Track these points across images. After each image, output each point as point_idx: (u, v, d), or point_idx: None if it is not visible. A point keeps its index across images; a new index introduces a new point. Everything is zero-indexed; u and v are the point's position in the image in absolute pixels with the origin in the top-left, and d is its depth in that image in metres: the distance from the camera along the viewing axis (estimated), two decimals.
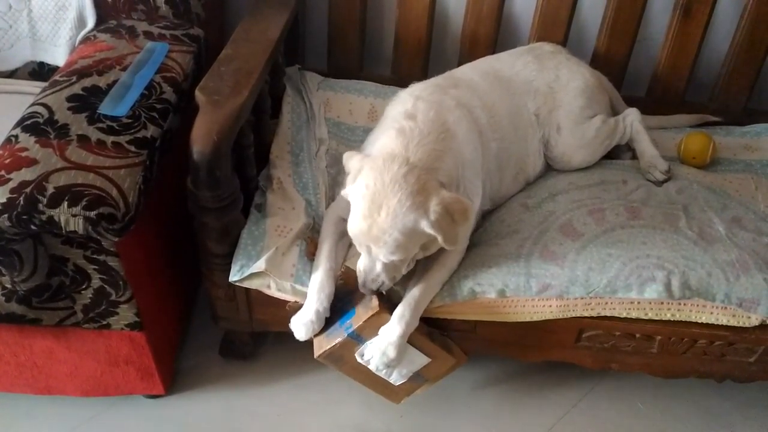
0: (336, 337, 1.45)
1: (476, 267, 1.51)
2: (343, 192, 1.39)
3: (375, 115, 1.95)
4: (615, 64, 2.03)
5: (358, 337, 1.45)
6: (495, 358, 1.66)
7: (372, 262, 1.37)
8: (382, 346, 1.43)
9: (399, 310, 1.42)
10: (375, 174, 1.31)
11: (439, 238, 1.31)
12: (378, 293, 1.42)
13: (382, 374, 1.53)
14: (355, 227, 1.34)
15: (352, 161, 1.39)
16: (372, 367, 1.47)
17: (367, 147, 1.59)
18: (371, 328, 1.44)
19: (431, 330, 1.54)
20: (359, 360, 1.49)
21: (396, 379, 1.56)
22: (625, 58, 2.04)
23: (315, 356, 1.48)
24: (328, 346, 1.46)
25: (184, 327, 1.87)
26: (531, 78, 1.79)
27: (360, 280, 1.39)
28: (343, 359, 1.50)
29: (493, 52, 1.99)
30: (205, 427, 1.70)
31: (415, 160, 1.34)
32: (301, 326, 1.46)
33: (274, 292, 1.51)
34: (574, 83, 1.80)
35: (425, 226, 1.30)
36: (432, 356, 1.53)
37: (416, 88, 1.59)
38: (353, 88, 2.02)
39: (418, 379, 1.58)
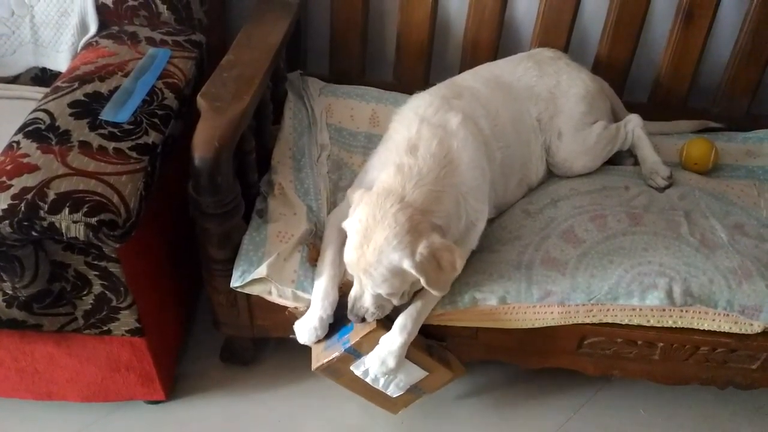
0: (333, 351, 1.47)
1: (477, 274, 1.51)
2: (343, 224, 1.41)
3: (377, 121, 1.95)
4: (617, 70, 2.03)
5: (355, 352, 1.46)
6: (496, 364, 1.65)
7: (361, 291, 1.39)
8: (382, 356, 1.43)
9: (401, 320, 1.42)
10: (369, 209, 1.33)
11: (422, 281, 1.31)
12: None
13: (379, 386, 1.54)
14: (347, 256, 1.37)
15: (354, 195, 1.40)
16: (371, 375, 1.47)
17: (369, 170, 1.58)
18: (368, 343, 1.45)
19: (430, 343, 1.54)
20: (356, 373, 1.50)
21: (393, 391, 1.57)
22: (627, 63, 2.04)
23: (312, 369, 1.50)
24: (326, 360, 1.47)
25: (185, 332, 1.86)
26: (532, 83, 1.79)
27: (349, 305, 1.40)
28: (340, 372, 1.51)
29: (495, 58, 1.99)
30: None
31: (411, 200, 1.34)
32: (304, 331, 1.47)
33: (275, 298, 1.51)
34: (575, 89, 1.80)
35: (408, 267, 1.30)
36: (430, 370, 1.54)
37: (420, 104, 1.57)
38: (355, 93, 2.02)
39: (415, 391, 1.59)
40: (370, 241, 1.31)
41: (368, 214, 1.32)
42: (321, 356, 1.49)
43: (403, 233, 1.30)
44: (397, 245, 1.29)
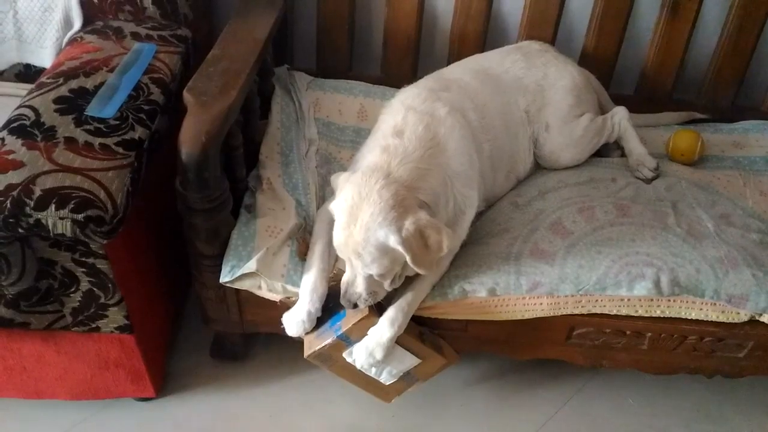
0: (326, 338, 1.46)
1: (467, 266, 1.52)
2: (329, 207, 1.40)
3: (365, 115, 1.95)
4: (603, 63, 2.04)
5: (347, 339, 1.46)
6: (486, 356, 1.66)
7: (353, 276, 1.38)
8: (370, 347, 1.43)
9: (390, 312, 1.42)
10: (354, 187, 1.32)
11: (407, 258, 1.29)
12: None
13: (371, 374, 1.54)
14: (335, 239, 1.36)
15: (339, 179, 1.39)
16: (358, 366, 1.47)
17: (358, 160, 1.57)
18: (360, 330, 1.44)
19: (422, 330, 1.54)
20: (348, 360, 1.49)
21: (386, 378, 1.56)
22: (614, 56, 2.05)
23: (305, 356, 1.49)
24: (318, 347, 1.47)
25: (174, 329, 1.86)
26: (520, 75, 1.80)
27: (342, 291, 1.39)
28: (332, 359, 1.51)
29: (482, 51, 1.99)
30: (197, 429, 1.69)
31: (396, 176, 1.33)
32: (292, 324, 1.46)
33: (264, 293, 1.51)
34: (562, 82, 1.81)
35: (394, 243, 1.28)
36: (422, 357, 1.53)
37: (408, 95, 1.57)
38: (343, 87, 2.01)
39: (408, 378, 1.58)
40: (357, 220, 1.29)
41: (354, 192, 1.31)
42: (313, 343, 1.48)
43: (387, 209, 1.28)
44: (382, 221, 1.28)
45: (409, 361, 1.53)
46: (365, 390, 1.61)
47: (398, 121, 1.45)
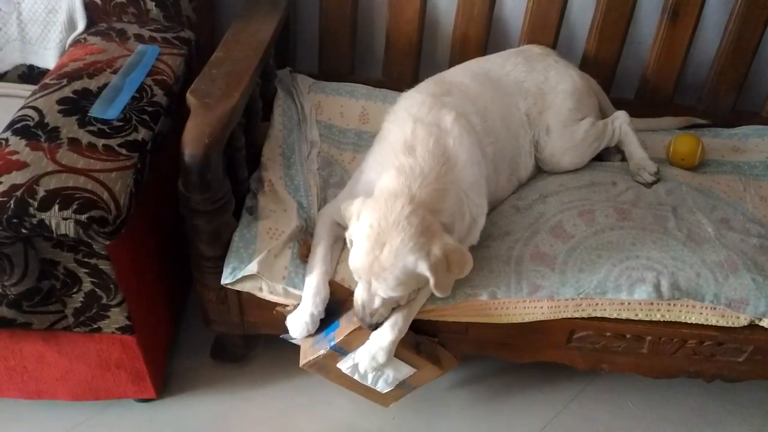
0: (320, 348, 1.48)
1: None
2: (347, 234, 1.39)
3: (366, 118, 1.96)
4: (604, 67, 2.05)
5: (340, 350, 1.48)
6: (487, 359, 1.66)
7: (371, 297, 1.37)
8: (373, 351, 1.44)
9: (392, 316, 1.43)
10: (378, 214, 1.31)
11: (431, 281, 1.31)
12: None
13: (367, 382, 1.55)
14: (357, 262, 1.34)
15: (352, 207, 1.38)
16: (360, 370, 1.48)
17: (365, 170, 1.57)
18: (353, 341, 1.46)
19: (419, 339, 1.55)
20: (343, 370, 1.52)
21: (382, 387, 1.58)
22: (614, 60, 2.05)
23: (300, 365, 1.51)
24: (313, 357, 1.49)
25: (175, 330, 1.86)
26: (521, 79, 1.81)
27: (359, 315, 1.39)
28: (327, 368, 1.53)
29: (484, 55, 1.99)
30: (197, 430, 1.70)
31: (420, 200, 1.33)
32: (296, 326, 1.47)
33: (266, 295, 1.51)
34: (563, 85, 1.81)
35: (423, 268, 1.30)
36: (417, 367, 1.55)
37: (413, 103, 1.56)
38: (344, 90, 2.02)
39: (404, 386, 1.60)
40: (384, 245, 1.29)
41: (379, 218, 1.30)
42: (308, 353, 1.50)
43: (418, 235, 1.29)
44: (413, 247, 1.29)
45: (405, 370, 1.54)
46: (363, 396, 1.63)
47: (407, 136, 1.44)
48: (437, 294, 1.37)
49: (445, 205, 1.37)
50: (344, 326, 1.45)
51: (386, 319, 1.41)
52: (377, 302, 1.37)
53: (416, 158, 1.38)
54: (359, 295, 1.38)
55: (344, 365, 1.51)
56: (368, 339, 1.45)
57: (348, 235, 1.39)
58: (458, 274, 1.36)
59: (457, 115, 1.51)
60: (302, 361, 1.51)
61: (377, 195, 1.36)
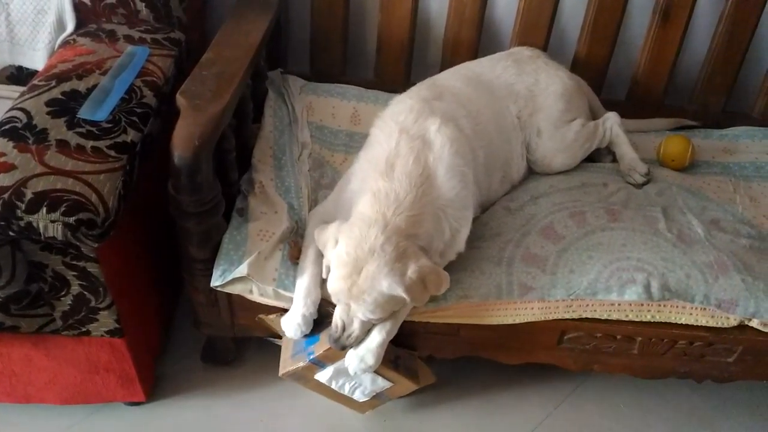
0: (299, 360, 1.51)
1: (459, 271, 1.52)
2: (325, 260, 1.43)
3: (358, 119, 1.95)
4: (595, 68, 2.05)
5: (319, 363, 1.50)
6: (478, 360, 1.66)
7: (350, 319, 1.40)
8: (361, 354, 1.44)
9: None
10: (354, 243, 1.35)
11: (408, 300, 1.36)
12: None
13: (345, 392, 1.58)
14: (336, 286, 1.37)
15: (327, 233, 1.41)
16: (351, 372, 1.48)
17: (351, 180, 1.56)
18: (333, 356, 1.48)
19: (399, 353, 1.56)
20: (320, 381, 1.55)
21: (359, 396, 1.61)
22: (605, 62, 2.06)
23: (279, 374, 1.54)
24: (291, 368, 1.52)
25: (165, 333, 1.85)
26: (512, 81, 1.81)
27: (334, 336, 1.41)
28: (306, 378, 1.56)
29: (475, 57, 2.00)
30: None
31: (393, 227, 1.36)
32: (289, 327, 1.48)
33: (256, 297, 1.50)
34: (553, 87, 1.82)
35: (399, 291, 1.33)
36: (394, 381, 1.57)
37: (401, 110, 1.56)
38: (336, 91, 2.02)
39: (381, 397, 1.63)
40: (361, 271, 1.33)
41: (355, 246, 1.34)
42: (287, 363, 1.54)
43: (392, 262, 1.33)
44: (388, 272, 1.33)
45: (381, 383, 1.57)
46: (341, 403, 1.65)
47: (390, 151, 1.46)
48: (415, 304, 1.41)
49: (421, 230, 1.39)
50: (323, 341, 1.47)
51: (361, 341, 1.44)
52: (356, 324, 1.40)
53: (393, 182, 1.40)
54: (338, 316, 1.41)
55: (322, 376, 1.54)
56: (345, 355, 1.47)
57: (325, 260, 1.42)
58: (435, 293, 1.40)
59: (442, 123, 1.51)
60: (281, 371, 1.54)
61: (352, 221, 1.39)
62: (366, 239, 1.34)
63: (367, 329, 1.43)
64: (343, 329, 1.40)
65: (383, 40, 2.05)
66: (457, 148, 1.50)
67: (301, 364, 1.50)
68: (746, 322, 1.53)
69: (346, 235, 1.36)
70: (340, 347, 1.42)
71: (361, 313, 1.37)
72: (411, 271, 1.33)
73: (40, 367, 1.53)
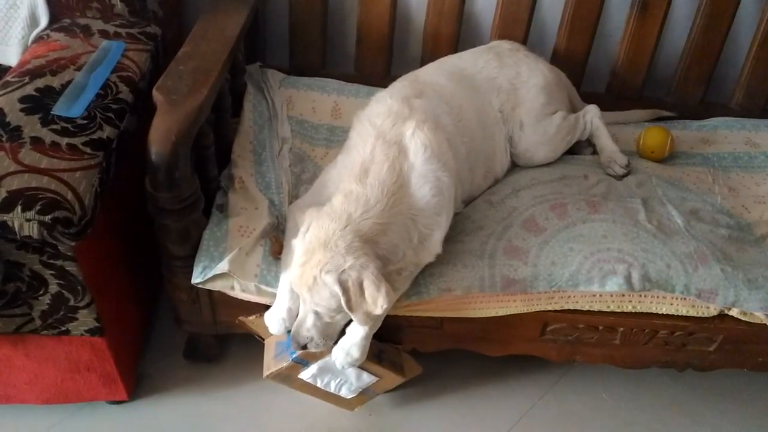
0: (282, 360, 1.51)
1: (442, 264, 1.52)
2: (293, 241, 1.42)
3: (338, 113, 1.95)
4: (575, 61, 2.06)
5: (302, 361, 1.50)
6: (461, 353, 1.67)
7: (305, 314, 1.39)
8: (346, 347, 1.45)
9: None
10: (315, 232, 1.35)
11: (342, 300, 1.31)
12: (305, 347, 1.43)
13: (330, 390, 1.59)
14: (292, 273, 1.38)
15: (306, 214, 1.41)
16: (338, 366, 1.48)
17: (330, 180, 1.55)
18: (316, 354, 1.48)
19: (382, 347, 1.56)
20: (305, 379, 1.55)
21: (345, 393, 1.61)
22: (585, 55, 2.06)
23: (263, 376, 1.54)
24: (275, 368, 1.52)
25: (146, 331, 1.83)
26: (494, 75, 1.81)
27: (293, 330, 1.41)
28: (290, 379, 1.56)
29: (455, 50, 2.00)
30: (171, 431, 1.67)
31: (355, 228, 1.35)
32: (273, 322, 1.47)
33: (238, 293, 1.49)
34: (534, 80, 1.82)
35: (335, 287, 1.31)
36: (379, 376, 1.57)
37: (379, 112, 1.55)
38: (316, 85, 2.00)
39: (368, 392, 1.63)
40: (310, 261, 1.33)
41: (316, 235, 1.34)
42: (271, 364, 1.53)
43: (339, 255, 1.31)
44: (327, 264, 1.31)
45: (367, 378, 1.57)
46: (329, 402, 1.65)
47: (366, 157, 1.45)
48: (356, 321, 1.38)
49: (384, 239, 1.38)
50: None
51: (317, 345, 1.42)
52: (310, 320, 1.39)
53: (365, 187, 1.40)
54: (300, 311, 1.41)
55: (306, 374, 1.54)
56: (330, 351, 1.47)
57: (292, 242, 1.41)
58: (372, 307, 1.32)
59: (417, 126, 1.49)
60: (265, 372, 1.54)
61: (322, 212, 1.38)
62: (324, 231, 1.34)
63: (323, 333, 1.41)
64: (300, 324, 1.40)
65: (363, 33, 2.04)
66: (432, 152, 1.47)
67: (285, 364, 1.50)
68: (726, 311, 1.55)
69: (314, 224, 1.36)
70: (297, 344, 1.41)
71: (309, 301, 1.36)
72: (352, 270, 1.30)
73: (19, 367, 1.51)
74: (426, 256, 1.48)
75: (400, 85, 1.69)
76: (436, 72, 1.78)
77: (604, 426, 1.78)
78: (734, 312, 1.54)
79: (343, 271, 1.31)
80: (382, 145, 1.47)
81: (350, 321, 1.43)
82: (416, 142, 1.47)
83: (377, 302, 1.31)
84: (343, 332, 1.47)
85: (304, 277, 1.34)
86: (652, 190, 1.75)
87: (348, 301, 1.31)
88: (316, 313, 1.38)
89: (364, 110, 1.61)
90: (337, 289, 1.31)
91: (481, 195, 1.75)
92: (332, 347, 1.46)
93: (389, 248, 1.39)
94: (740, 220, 1.72)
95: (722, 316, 1.56)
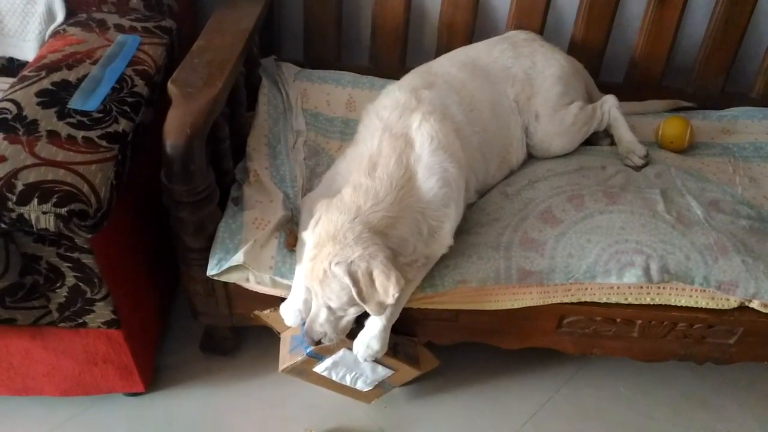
0: (297, 354, 1.51)
1: (457, 256, 1.51)
2: (303, 234, 1.42)
3: (353, 106, 1.94)
4: (592, 51, 2.03)
5: (317, 356, 1.51)
6: (477, 346, 1.66)
7: (318, 308, 1.39)
8: (366, 340, 1.45)
9: None
10: (325, 224, 1.35)
11: (353, 291, 1.31)
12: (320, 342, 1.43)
13: (346, 383, 1.58)
14: (303, 266, 1.38)
15: (318, 206, 1.41)
16: (360, 359, 1.48)
17: (339, 173, 1.55)
18: (330, 348, 1.48)
19: (398, 340, 1.55)
20: (320, 373, 1.55)
21: (361, 386, 1.61)
22: (602, 44, 2.04)
23: (279, 370, 1.54)
24: (290, 363, 1.52)
25: (163, 323, 1.84)
26: (509, 65, 1.79)
27: (306, 326, 1.41)
28: (306, 373, 1.56)
29: (471, 41, 1.98)
30: (187, 423, 1.69)
31: (364, 220, 1.34)
32: (289, 313, 1.47)
33: (253, 286, 1.50)
34: (551, 70, 1.80)
35: (345, 279, 1.30)
36: (395, 369, 1.57)
37: (386, 105, 1.55)
38: (331, 78, 2.00)
39: (384, 386, 1.63)
40: (320, 254, 1.32)
41: (325, 228, 1.34)
42: (286, 359, 1.54)
43: (347, 247, 1.31)
44: (336, 256, 1.31)
45: (382, 372, 1.57)
46: (346, 395, 1.65)
47: (373, 150, 1.45)
48: (370, 312, 1.36)
49: (394, 232, 1.37)
50: None
51: (331, 340, 1.42)
52: (322, 316, 1.38)
53: (374, 180, 1.39)
54: (312, 306, 1.40)
55: (320, 368, 1.54)
56: (345, 345, 1.47)
57: (303, 235, 1.41)
58: (384, 296, 1.32)
59: (423, 118, 1.48)
60: (281, 367, 1.55)
61: (331, 205, 1.38)
62: (334, 224, 1.33)
63: (335, 327, 1.40)
64: (314, 320, 1.40)
65: (378, 25, 2.03)
66: (439, 142, 1.47)
67: (300, 358, 1.50)
68: (746, 304, 1.52)
69: (325, 217, 1.36)
70: (310, 340, 1.41)
71: (321, 296, 1.36)
72: (361, 260, 1.30)
73: (38, 360, 1.53)
74: (438, 248, 1.47)
75: (410, 77, 1.68)
76: (449, 63, 1.77)
77: (622, 420, 1.76)
78: (755, 304, 1.51)
79: (352, 262, 1.30)
80: (389, 138, 1.46)
81: (366, 315, 1.42)
82: (422, 133, 1.47)
83: (388, 291, 1.31)
84: (362, 326, 1.46)
85: (315, 271, 1.33)
86: (671, 180, 1.73)
87: (359, 293, 1.31)
88: (329, 308, 1.38)
89: (372, 103, 1.60)
90: (348, 281, 1.30)
91: (497, 186, 1.74)
92: (347, 340, 1.46)
93: (399, 242, 1.39)
94: (761, 211, 1.69)
95: (742, 309, 1.53)
